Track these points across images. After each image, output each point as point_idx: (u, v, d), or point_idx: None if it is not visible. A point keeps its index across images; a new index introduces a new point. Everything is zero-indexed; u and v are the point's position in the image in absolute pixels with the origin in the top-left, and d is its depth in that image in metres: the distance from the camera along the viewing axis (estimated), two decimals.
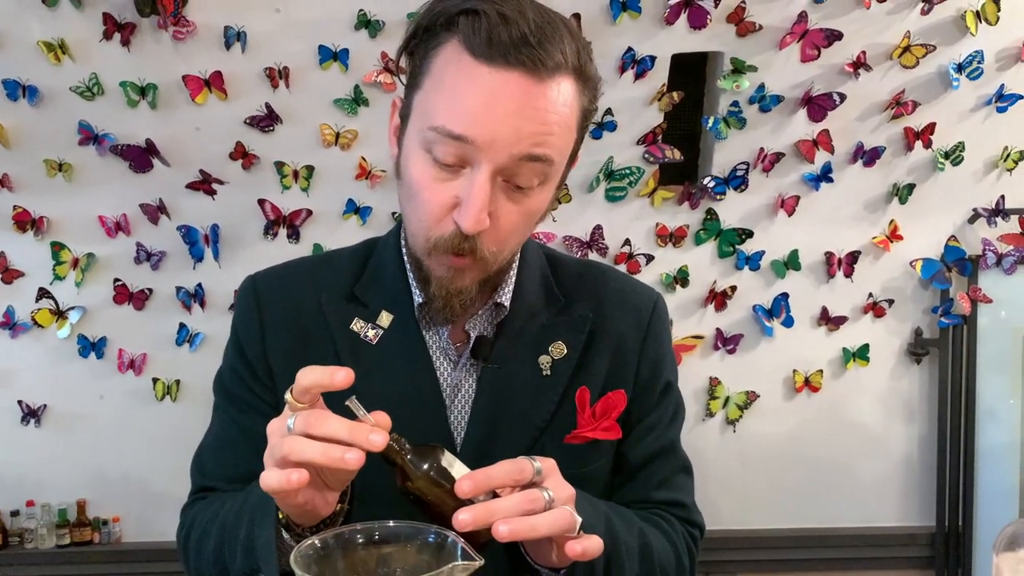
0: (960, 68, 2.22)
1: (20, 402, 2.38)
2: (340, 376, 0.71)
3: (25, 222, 2.28)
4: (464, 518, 0.72)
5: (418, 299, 0.92)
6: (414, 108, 0.84)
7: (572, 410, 0.93)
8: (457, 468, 0.77)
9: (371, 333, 0.93)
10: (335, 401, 0.76)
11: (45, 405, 2.39)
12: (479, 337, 0.94)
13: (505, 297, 0.94)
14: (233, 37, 2.08)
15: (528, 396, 0.93)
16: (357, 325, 0.93)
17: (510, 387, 0.93)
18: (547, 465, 0.78)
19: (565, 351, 0.94)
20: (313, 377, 0.72)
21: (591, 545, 0.77)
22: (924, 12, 2.16)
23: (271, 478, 0.71)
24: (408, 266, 0.94)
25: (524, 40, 0.78)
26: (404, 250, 0.94)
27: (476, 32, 0.79)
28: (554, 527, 0.74)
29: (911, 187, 2.36)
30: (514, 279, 0.95)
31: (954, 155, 2.33)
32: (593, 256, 2.35)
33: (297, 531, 0.80)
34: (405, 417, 0.84)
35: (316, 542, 0.74)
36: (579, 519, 0.76)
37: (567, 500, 0.77)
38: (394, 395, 0.91)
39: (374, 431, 0.72)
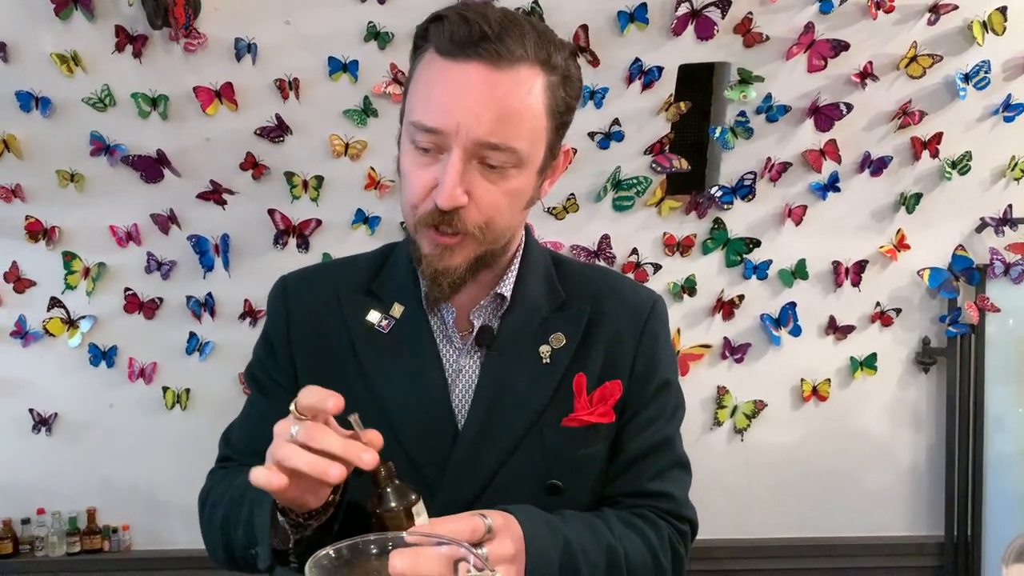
0: (967, 78, 2.23)
1: (31, 410, 2.40)
2: (331, 403, 0.80)
3: (37, 232, 2.30)
4: (395, 563, 0.74)
5: (424, 289, 1.00)
6: (404, 109, 0.94)
7: (569, 396, 1.00)
8: (422, 519, 0.84)
9: (384, 323, 1.02)
10: (346, 393, 0.83)
11: (56, 414, 2.41)
12: (483, 326, 1.01)
13: (506, 289, 1.01)
14: (244, 49, 2.10)
15: (528, 382, 0.99)
16: (373, 316, 1.02)
17: (511, 373, 0.99)
18: (498, 523, 0.84)
19: (564, 341, 1.01)
20: (311, 400, 0.81)
21: None
22: (931, 22, 2.17)
23: (259, 476, 0.79)
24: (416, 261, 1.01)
25: (483, 36, 0.87)
26: (412, 247, 1.00)
27: (441, 35, 0.89)
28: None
29: (918, 196, 2.36)
30: (516, 273, 1.02)
31: (961, 164, 2.33)
32: (600, 265, 2.36)
33: (292, 517, 0.87)
34: (413, 398, 0.98)
35: (331, 552, 0.75)
36: None
37: (504, 559, 0.82)
38: (403, 378, 0.99)
39: (366, 451, 0.79)
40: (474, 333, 1.01)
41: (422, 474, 0.98)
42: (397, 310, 1.02)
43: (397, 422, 0.98)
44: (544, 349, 1.01)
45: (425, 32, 0.92)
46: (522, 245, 1.04)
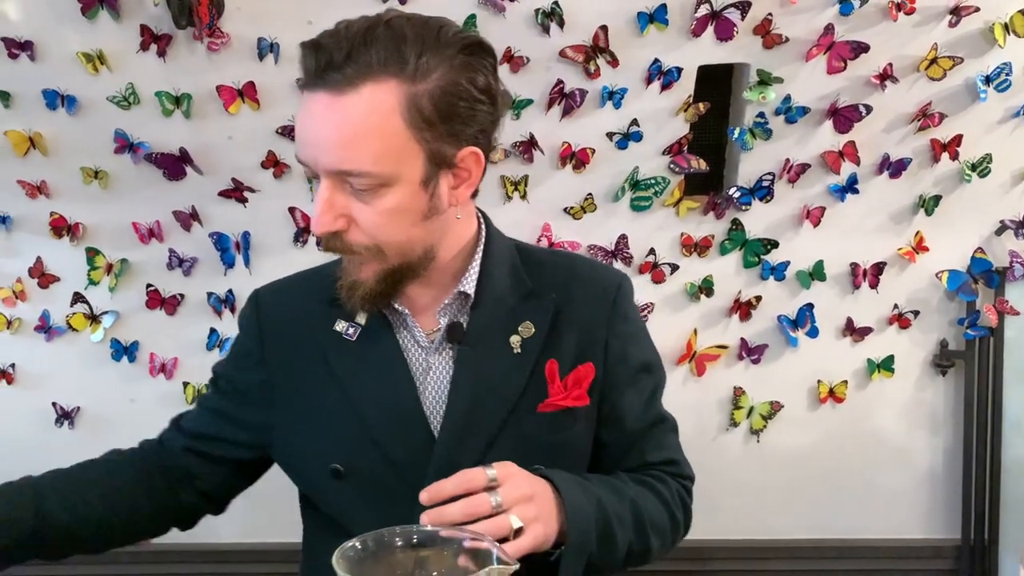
0: (988, 80, 2.22)
1: (54, 404, 2.43)
2: None
3: (61, 228, 2.33)
4: (423, 519, 0.85)
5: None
6: None
7: (542, 383, 1.03)
8: None
9: (351, 331, 1.05)
10: (323, 401, 1.03)
11: (78, 407, 2.44)
12: (452, 323, 1.04)
13: (469, 286, 1.04)
14: (266, 48, 2.12)
15: (501, 372, 1.03)
16: (340, 325, 1.05)
17: (484, 365, 1.03)
18: (504, 471, 0.89)
19: (533, 330, 1.04)
20: None
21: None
22: (952, 24, 2.17)
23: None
24: None
25: (329, 63, 0.87)
26: None
27: (301, 66, 0.90)
28: (486, 529, 0.85)
29: (937, 199, 2.36)
30: (478, 268, 1.05)
31: (981, 167, 2.32)
32: (618, 265, 2.37)
33: None
34: (384, 399, 1.02)
35: (357, 544, 0.77)
36: (516, 524, 0.86)
37: (519, 500, 0.88)
38: (373, 382, 1.03)
39: None
40: (442, 331, 1.03)
41: (403, 473, 1.01)
42: (362, 318, 1.05)
43: (372, 425, 1.03)
44: (514, 339, 1.03)
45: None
46: (483, 241, 1.06)
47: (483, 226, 1.08)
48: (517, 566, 0.76)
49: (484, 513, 0.86)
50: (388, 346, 1.04)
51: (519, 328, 1.04)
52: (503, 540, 0.84)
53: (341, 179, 0.90)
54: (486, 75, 0.94)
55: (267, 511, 1.85)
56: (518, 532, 0.85)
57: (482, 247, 1.06)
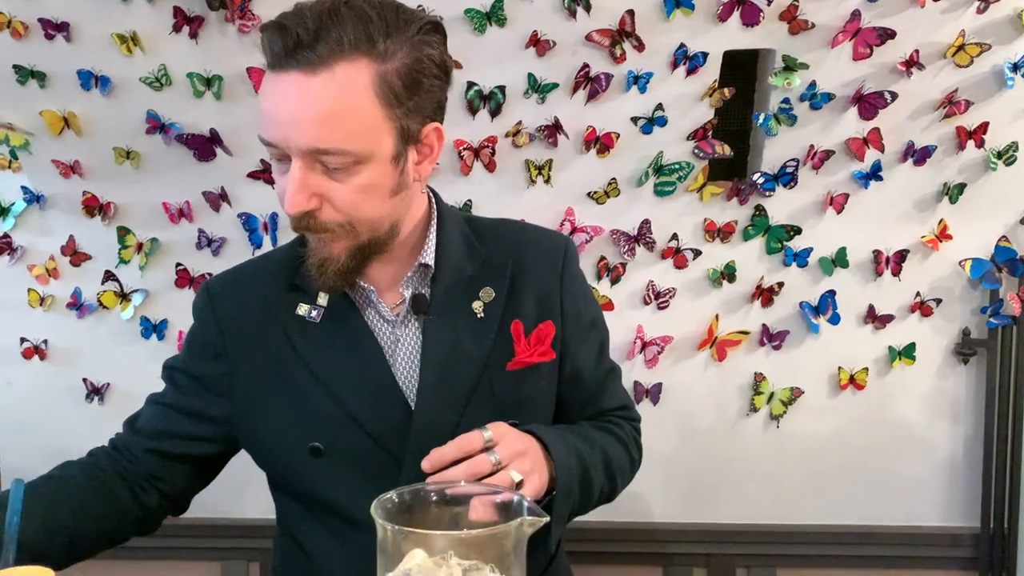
0: (1015, 67, 2.22)
1: (85, 380, 2.49)
2: None
3: (93, 207, 2.38)
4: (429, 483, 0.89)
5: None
6: None
7: (508, 343, 1.09)
8: None
9: (314, 313, 1.09)
10: (290, 383, 1.07)
11: (108, 383, 2.49)
12: (416, 295, 1.08)
13: (428, 257, 1.09)
14: None
15: (469, 337, 1.08)
16: (301, 309, 1.09)
17: (451, 332, 1.08)
18: (498, 431, 0.95)
19: (493, 295, 1.10)
20: None
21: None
22: (980, 11, 2.16)
23: None
24: None
25: (297, 43, 0.90)
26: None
27: (264, 48, 0.94)
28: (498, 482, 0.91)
29: (962, 187, 2.35)
30: (434, 241, 1.09)
31: (1007, 155, 2.32)
32: (640, 250, 2.38)
33: None
34: (356, 375, 1.06)
35: (394, 496, 0.81)
36: (516, 478, 0.92)
37: (515, 456, 0.94)
38: (343, 359, 1.07)
39: None
40: (406, 303, 1.08)
41: (382, 444, 1.05)
42: (323, 299, 1.08)
43: (348, 401, 1.08)
44: (476, 305, 1.09)
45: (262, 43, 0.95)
46: (435, 215, 1.11)
47: (432, 200, 1.12)
48: (548, 518, 0.79)
49: (485, 472, 0.91)
50: (355, 324, 1.07)
51: (480, 294, 1.09)
52: None
53: (314, 158, 0.93)
54: (441, 51, 0.98)
55: None
56: (519, 485, 0.90)
57: (435, 220, 1.11)
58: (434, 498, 0.84)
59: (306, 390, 1.07)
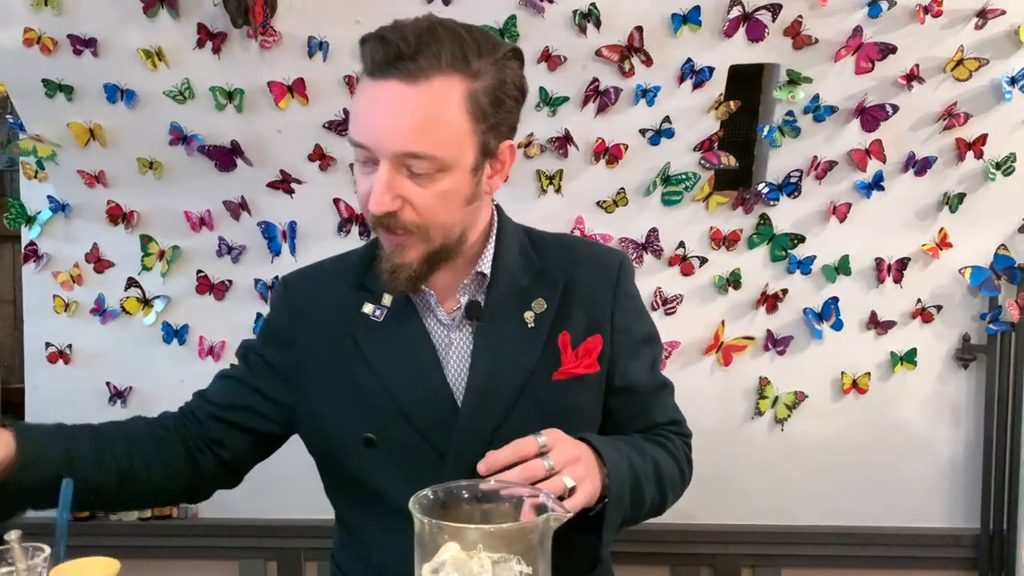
0: (1013, 81, 2.28)
1: (108, 383, 2.55)
2: None
3: (117, 216, 2.45)
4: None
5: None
6: None
7: (556, 354, 1.13)
8: None
9: (378, 312, 1.15)
10: (351, 376, 1.12)
11: (131, 387, 2.56)
12: (471, 301, 1.14)
13: (485, 266, 1.15)
14: (316, 46, 2.22)
15: (517, 345, 1.13)
16: (367, 308, 1.15)
17: (501, 339, 1.13)
18: (552, 437, 0.99)
19: (545, 306, 1.14)
20: None
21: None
22: (978, 27, 2.22)
23: None
24: None
25: (399, 54, 0.97)
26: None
27: (365, 57, 1.00)
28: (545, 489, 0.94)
29: (961, 196, 2.41)
30: (492, 251, 1.15)
31: (1005, 166, 2.38)
32: (648, 258, 2.45)
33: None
34: (410, 373, 1.12)
35: (430, 493, 0.87)
36: (570, 484, 0.96)
37: (569, 462, 0.98)
38: (400, 358, 1.13)
39: None
40: (461, 309, 1.14)
41: (428, 439, 1.12)
42: (387, 300, 1.14)
43: (400, 396, 1.15)
44: (528, 315, 1.14)
45: (361, 56, 1.01)
46: (495, 226, 1.17)
47: (495, 212, 1.19)
48: (571, 514, 0.86)
49: (539, 476, 0.96)
50: (414, 325, 1.13)
51: (532, 304, 1.14)
52: (560, 499, 0.93)
53: (402, 162, 1.00)
54: (520, 75, 1.07)
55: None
56: (572, 491, 0.95)
57: (495, 231, 1.17)
58: (465, 495, 0.90)
59: (364, 384, 1.13)
